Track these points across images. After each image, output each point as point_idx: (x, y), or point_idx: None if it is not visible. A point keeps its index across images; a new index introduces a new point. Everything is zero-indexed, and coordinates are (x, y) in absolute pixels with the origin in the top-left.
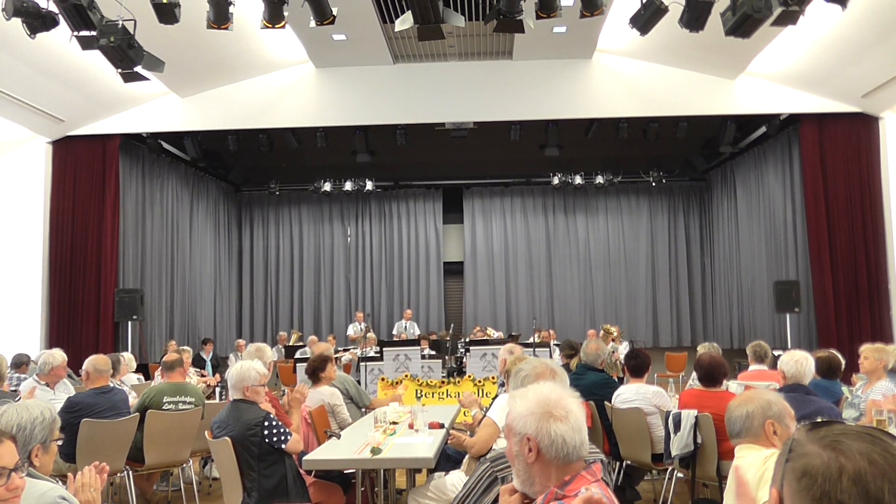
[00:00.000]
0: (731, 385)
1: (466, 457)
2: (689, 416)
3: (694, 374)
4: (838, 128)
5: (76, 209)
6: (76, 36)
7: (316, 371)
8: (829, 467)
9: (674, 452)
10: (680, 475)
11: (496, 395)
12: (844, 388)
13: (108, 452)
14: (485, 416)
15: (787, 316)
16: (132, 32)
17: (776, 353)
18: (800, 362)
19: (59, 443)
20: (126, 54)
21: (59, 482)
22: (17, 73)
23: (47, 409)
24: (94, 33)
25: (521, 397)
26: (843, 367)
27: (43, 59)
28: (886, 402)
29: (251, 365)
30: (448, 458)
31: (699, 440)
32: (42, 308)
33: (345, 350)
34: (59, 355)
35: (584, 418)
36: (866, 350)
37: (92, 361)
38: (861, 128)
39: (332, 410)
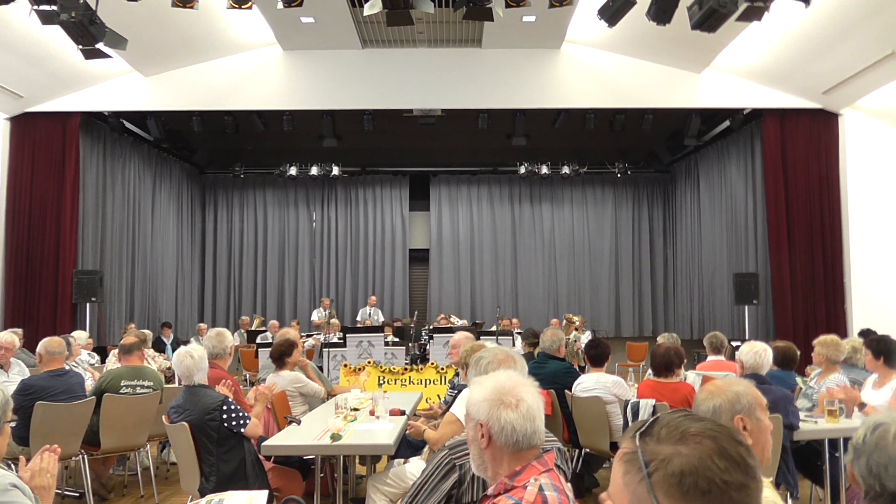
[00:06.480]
0: (689, 375)
1: (427, 445)
2: (647, 405)
3: None
4: (799, 123)
5: (34, 187)
6: (36, 10)
7: (282, 355)
8: (699, 457)
9: None
10: None
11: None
12: (798, 379)
13: (63, 436)
14: (447, 410)
15: (746, 308)
16: (94, 8)
17: (734, 343)
18: (759, 353)
19: (13, 424)
20: (87, 30)
21: (11, 466)
22: None
23: None
24: (54, 8)
25: (479, 384)
26: (798, 358)
27: (1, 33)
28: (838, 392)
29: (199, 346)
30: (408, 445)
31: None
32: None
33: (308, 336)
34: (7, 336)
35: (539, 407)
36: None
37: (45, 344)
38: (821, 124)
39: (299, 391)
